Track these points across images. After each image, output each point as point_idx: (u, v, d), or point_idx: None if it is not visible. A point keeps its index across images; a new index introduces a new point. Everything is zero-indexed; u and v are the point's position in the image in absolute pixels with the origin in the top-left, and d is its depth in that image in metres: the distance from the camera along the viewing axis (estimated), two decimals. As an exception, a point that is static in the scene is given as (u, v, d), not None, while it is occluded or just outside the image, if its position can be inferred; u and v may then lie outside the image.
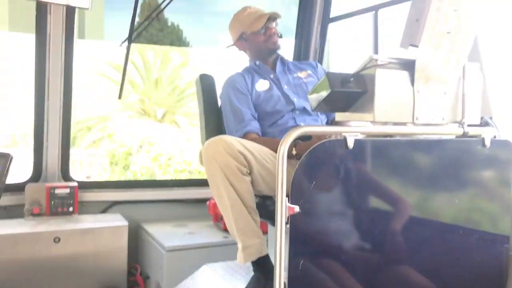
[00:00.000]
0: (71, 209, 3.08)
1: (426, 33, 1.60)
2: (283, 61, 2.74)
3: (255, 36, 2.63)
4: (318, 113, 2.58)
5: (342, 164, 1.68)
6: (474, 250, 1.95)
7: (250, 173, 2.11)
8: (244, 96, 2.57)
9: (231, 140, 2.08)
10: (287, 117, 2.53)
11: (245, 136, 2.46)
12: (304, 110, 2.55)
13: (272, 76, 2.67)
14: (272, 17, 2.62)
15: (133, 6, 2.94)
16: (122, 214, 3.21)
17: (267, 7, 2.68)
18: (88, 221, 3.03)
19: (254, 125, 2.50)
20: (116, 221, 3.06)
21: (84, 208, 3.22)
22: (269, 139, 2.42)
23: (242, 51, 2.76)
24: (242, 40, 2.68)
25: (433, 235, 1.89)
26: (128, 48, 3.03)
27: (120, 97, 3.42)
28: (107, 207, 3.31)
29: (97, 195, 3.30)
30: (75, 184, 3.14)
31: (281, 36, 2.66)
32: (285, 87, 2.61)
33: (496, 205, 2.04)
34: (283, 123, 2.52)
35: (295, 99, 2.56)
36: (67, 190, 3.08)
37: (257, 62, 2.70)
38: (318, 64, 2.84)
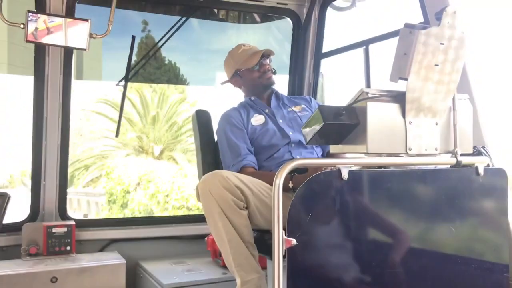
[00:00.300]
0: (68, 248, 3.06)
1: (414, 66, 1.64)
2: (278, 96, 2.79)
3: (249, 72, 2.69)
4: (314, 146, 2.61)
5: (338, 196, 1.69)
6: (474, 280, 1.94)
7: (247, 207, 2.12)
8: (240, 131, 2.60)
9: (228, 175, 2.10)
10: (283, 150, 2.56)
11: (241, 170, 2.47)
12: (299, 143, 2.58)
13: (267, 110, 2.71)
14: (266, 54, 2.69)
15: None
16: (120, 252, 3.18)
17: (261, 43, 2.76)
18: (86, 260, 3.00)
19: (251, 159, 2.52)
20: (113, 259, 3.04)
21: (82, 246, 3.19)
22: (266, 173, 2.44)
23: (237, 88, 2.81)
24: (237, 77, 2.74)
25: (432, 265, 1.88)
26: (125, 87, 3.08)
27: (117, 135, 3.46)
28: (104, 246, 3.29)
29: (94, 233, 3.28)
30: (73, 222, 3.12)
31: (275, 72, 2.73)
32: (280, 121, 2.65)
33: (493, 234, 2.04)
34: (279, 156, 2.54)
35: (290, 133, 2.60)
36: (65, 229, 3.06)
37: (252, 98, 2.75)
38: (312, 99, 2.90)
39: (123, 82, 3.09)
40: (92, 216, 15.09)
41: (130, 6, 3.41)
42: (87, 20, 2.64)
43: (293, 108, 2.74)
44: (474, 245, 1.99)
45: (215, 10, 3.68)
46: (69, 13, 2.93)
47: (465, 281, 1.92)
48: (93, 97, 16.59)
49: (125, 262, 2.99)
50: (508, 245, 2.09)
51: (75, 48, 2.70)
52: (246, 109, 2.71)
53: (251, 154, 2.55)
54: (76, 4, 2.98)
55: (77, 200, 16.42)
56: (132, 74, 3.13)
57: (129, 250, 3.26)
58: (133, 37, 3.00)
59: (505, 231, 2.07)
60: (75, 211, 15.88)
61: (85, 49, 2.65)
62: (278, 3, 3.47)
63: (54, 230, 3.05)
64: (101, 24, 2.73)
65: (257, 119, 2.66)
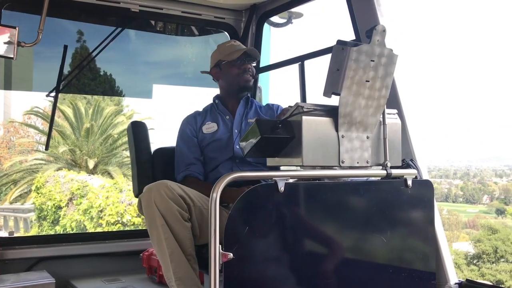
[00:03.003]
0: (-9, 269, 2.86)
1: (346, 82, 1.70)
2: (248, 103, 2.68)
3: (230, 66, 2.59)
4: (261, 164, 2.48)
5: (274, 208, 1.71)
6: (404, 288, 2.01)
7: (190, 219, 2.09)
8: (190, 138, 2.56)
9: (172, 185, 2.06)
10: (227, 164, 2.50)
11: (184, 179, 2.44)
12: (246, 159, 2.46)
13: (227, 117, 2.62)
14: (252, 55, 2.61)
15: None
16: (49, 271, 3.01)
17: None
18: (10, 281, 2.82)
19: (194, 169, 2.49)
20: (41, 279, 2.87)
21: (7, 266, 2.99)
22: (206, 184, 2.41)
23: (215, 80, 2.71)
24: (217, 68, 2.65)
25: (365, 275, 1.94)
26: (55, 98, 2.96)
27: (47, 148, 3.33)
28: (32, 265, 3.10)
29: (21, 252, 3.09)
30: (-4, 241, 2.93)
31: (253, 77, 2.63)
32: (235, 131, 2.56)
33: (421, 243, 2.13)
34: (222, 169, 2.47)
35: (237, 147, 2.49)
36: (-13, 249, 2.87)
37: (217, 101, 2.67)
38: (279, 107, 2.73)
39: (54, 93, 2.96)
40: (20, 233, 14.30)
41: (63, 15, 3.29)
42: (15, 28, 2.51)
43: (253, 121, 2.65)
44: (404, 254, 2.07)
45: (153, 22, 3.64)
46: (-5, 19, 2.78)
47: (395, 289, 1.99)
48: (24, 108, 15.85)
49: (54, 281, 2.84)
50: (435, 253, 2.20)
51: (1, 57, 2.56)
52: (204, 114, 2.64)
53: (196, 164, 2.51)
54: (2, 10, 2.83)
55: (3, 217, 15.52)
56: (64, 85, 3.01)
57: (59, 268, 3.10)
58: (65, 47, 2.90)
59: (432, 240, 2.17)
60: (0, 229, 14.99)
61: (12, 58, 2.52)
62: (215, 17, 3.48)
63: (-25, 249, 2.85)
64: (32, 33, 2.61)
65: (208, 127, 2.59)
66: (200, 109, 2.72)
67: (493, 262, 21.90)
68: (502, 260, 21.92)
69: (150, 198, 2.03)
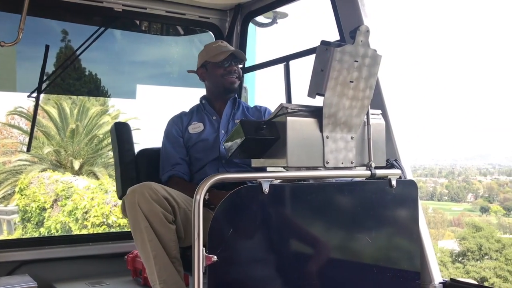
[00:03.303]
0: (-29, 273, 2.81)
1: (330, 83, 1.70)
2: (236, 104, 2.66)
3: (215, 67, 2.57)
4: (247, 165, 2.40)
5: (259, 210, 1.70)
6: (389, 288, 2.02)
7: (175, 221, 2.07)
8: (176, 138, 2.54)
9: (156, 187, 2.04)
10: (213, 165, 2.48)
11: (169, 180, 2.42)
12: (232, 160, 2.44)
13: (214, 118, 2.61)
14: (238, 57, 2.59)
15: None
16: (32, 275, 2.96)
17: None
18: (-9, 285, 2.77)
19: (179, 170, 2.47)
20: (23, 283, 2.82)
21: (-13, 271, 2.94)
22: (191, 185, 2.38)
23: (202, 81, 2.69)
24: (203, 69, 2.63)
25: (350, 275, 1.93)
26: (37, 99, 2.91)
27: (28, 149, 3.27)
28: (14, 268, 3.05)
29: (2, 255, 3.03)
30: (-23, 244, 2.88)
31: (239, 79, 2.60)
32: (222, 132, 2.54)
33: (406, 243, 2.14)
34: (208, 170, 2.45)
35: (223, 147, 2.42)
36: (-32, 252, 2.81)
37: (204, 101, 2.65)
38: (267, 110, 2.71)
39: (36, 94, 2.92)
40: (4, 236, 14.11)
41: (45, 14, 3.25)
42: (-6, 27, 2.47)
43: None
44: (389, 254, 2.07)
45: (137, 22, 3.60)
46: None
47: (380, 289, 1.99)
48: (8, 109, 15.64)
49: (36, 285, 2.79)
50: (420, 253, 2.21)
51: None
52: (190, 115, 2.62)
53: (182, 164, 2.49)
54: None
55: (-14, 219, 15.29)
56: (47, 85, 2.97)
57: (43, 272, 3.05)
58: (47, 47, 2.86)
59: (417, 240, 2.18)
60: (-17, 232, 14.77)
61: (-8, 58, 2.48)
62: (200, 17, 3.46)
63: (-46, 253, 2.79)
64: (14, 32, 2.56)
65: (194, 127, 2.57)
66: (187, 110, 2.70)
67: (477, 260, 22.19)
68: (486, 257, 22.23)
69: (134, 200, 2.00)
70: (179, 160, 2.50)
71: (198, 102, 2.71)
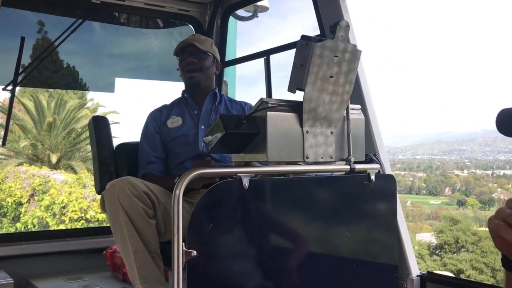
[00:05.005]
0: None
1: (310, 77, 1.70)
2: (215, 98, 2.58)
3: (179, 63, 2.53)
4: (229, 162, 2.42)
5: (239, 205, 1.69)
6: (368, 281, 2.04)
7: (155, 216, 2.05)
8: (152, 135, 2.50)
9: (136, 182, 2.01)
10: (194, 160, 2.42)
11: (144, 177, 2.39)
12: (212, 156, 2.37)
13: (196, 112, 2.54)
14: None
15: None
16: (8, 271, 2.91)
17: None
18: (-35, 283, 2.72)
19: (153, 168, 2.44)
20: (-1, 279, 2.78)
21: (-39, 267, 2.88)
22: (166, 178, 2.36)
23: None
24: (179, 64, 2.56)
25: (330, 269, 1.95)
26: (12, 91, 2.85)
27: (4, 143, 3.18)
28: (-11, 265, 3.00)
29: (-23, 252, 2.98)
30: (-51, 241, 2.82)
31: (201, 71, 2.47)
32: (202, 128, 2.48)
33: (384, 237, 2.17)
34: (189, 165, 2.36)
35: (203, 144, 2.38)
36: None
37: (186, 95, 2.58)
38: (247, 105, 2.65)
39: (11, 86, 2.86)
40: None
41: (21, 5, 3.17)
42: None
43: None
44: (367, 248, 2.09)
45: (116, 14, 3.55)
46: None
47: (359, 283, 2.01)
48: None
49: (12, 281, 2.75)
50: (397, 246, 2.24)
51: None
52: (170, 108, 2.56)
53: (155, 162, 2.46)
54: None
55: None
56: (23, 77, 2.91)
57: (19, 268, 3.00)
58: (23, 38, 2.79)
59: (395, 234, 2.21)
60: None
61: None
62: (179, 10, 3.42)
63: None
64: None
65: (173, 121, 2.51)
66: (168, 103, 2.66)
67: (454, 252, 22.64)
68: (463, 250, 22.69)
69: (114, 195, 1.98)
70: (153, 158, 2.47)
71: (178, 96, 2.66)
